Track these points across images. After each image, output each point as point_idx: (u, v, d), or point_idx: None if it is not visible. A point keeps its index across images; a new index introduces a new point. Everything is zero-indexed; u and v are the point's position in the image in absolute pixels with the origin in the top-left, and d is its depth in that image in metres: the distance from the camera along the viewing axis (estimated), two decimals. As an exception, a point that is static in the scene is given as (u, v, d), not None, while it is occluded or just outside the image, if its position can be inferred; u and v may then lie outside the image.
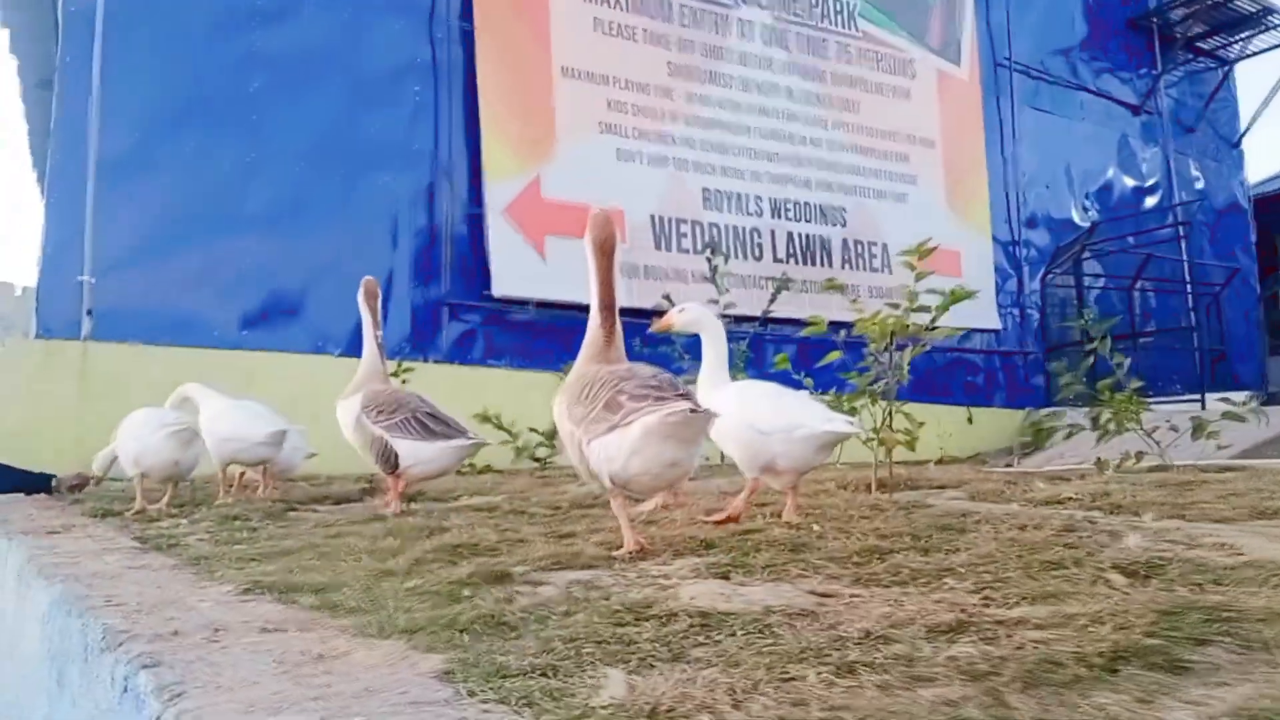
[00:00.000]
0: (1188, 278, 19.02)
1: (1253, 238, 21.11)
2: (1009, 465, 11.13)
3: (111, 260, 10.24)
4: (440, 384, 9.51)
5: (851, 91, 15.49)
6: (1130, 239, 16.30)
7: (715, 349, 4.38)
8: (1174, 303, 18.94)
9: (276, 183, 11.12)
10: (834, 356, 5.37)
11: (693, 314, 4.63)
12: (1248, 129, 21.31)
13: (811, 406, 4.15)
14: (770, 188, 14.46)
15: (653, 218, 13.27)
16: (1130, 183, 19.30)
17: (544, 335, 12.42)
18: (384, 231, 11.76)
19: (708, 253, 10.88)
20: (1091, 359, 6.32)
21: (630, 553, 3.22)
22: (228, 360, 10.56)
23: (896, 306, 5.45)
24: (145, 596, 2.53)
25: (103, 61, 10.35)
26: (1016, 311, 17.18)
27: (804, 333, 5.68)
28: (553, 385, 10.56)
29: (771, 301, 10.61)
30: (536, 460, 10.09)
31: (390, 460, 5.02)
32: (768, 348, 12.40)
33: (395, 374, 9.30)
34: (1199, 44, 20.15)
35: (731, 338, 11.69)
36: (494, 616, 2.06)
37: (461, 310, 12.06)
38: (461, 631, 1.97)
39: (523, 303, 12.20)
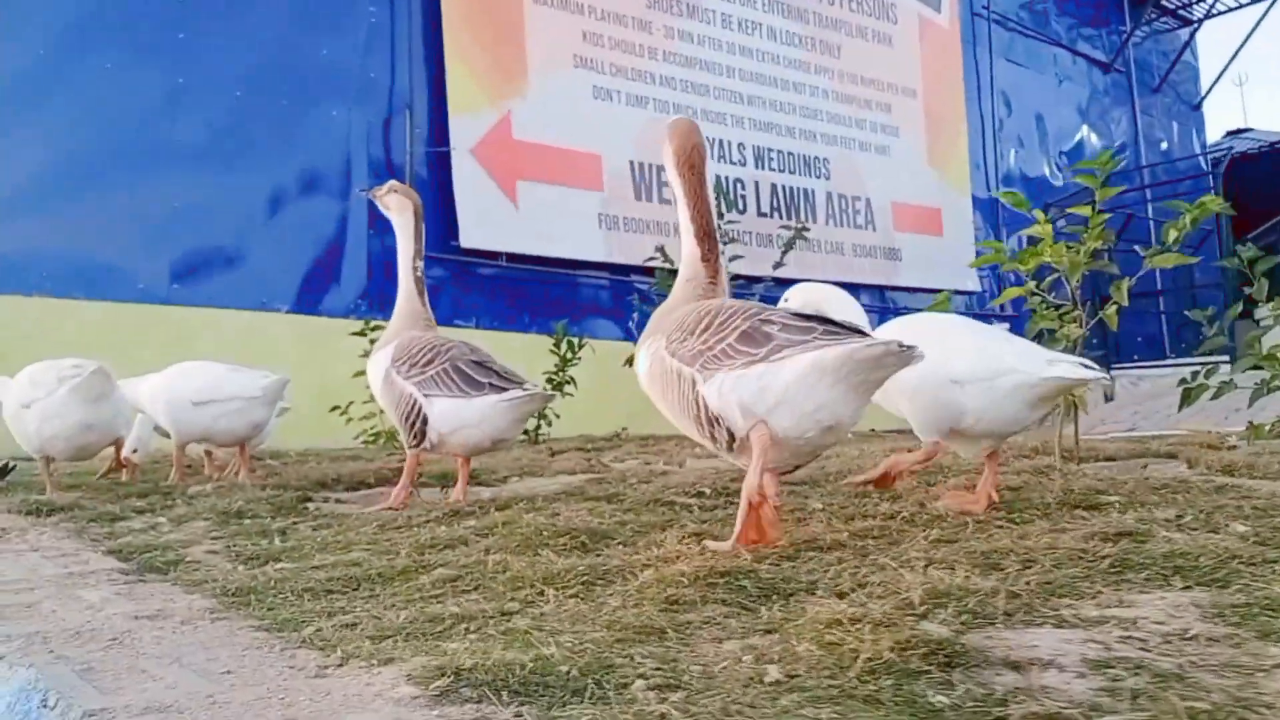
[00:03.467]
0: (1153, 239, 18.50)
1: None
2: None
3: (12, 201, 8.58)
4: None
5: (834, 34, 14.40)
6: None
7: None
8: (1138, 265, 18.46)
9: (210, 113, 9.52)
10: (1015, 293, 4.22)
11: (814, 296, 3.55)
12: (1209, 91, 20.96)
13: (1021, 345, 3.13)
14: (753, 135, 13.30)
15: (632, 164, 11.99)
16: (1100, 142, 18.66)
17: (516, 292, 11.10)
18: (335, 171, 10.25)
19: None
20: (1238, 309, 5.33)
21: (741, 547, 2.34)
22: (156, 317, 9.02)
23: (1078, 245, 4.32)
24: (227, 712, 1.24)
25: (-1, -37, 8.63)
26: (991, 275, 16.40)
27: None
28: (529, 348, 9.35)
29: (785, 253, 9.48)
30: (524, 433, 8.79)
31: (416, 426, 3.72)
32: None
33: (362, 334, 7.96)
34: (1165, 2, 19.59)
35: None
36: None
37: (425, 263, 10.59)
38: None
39: (493, 255, 10.83)
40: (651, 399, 2.84)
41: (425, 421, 3.71)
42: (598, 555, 2.21)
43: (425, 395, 3.73)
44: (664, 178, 12.19)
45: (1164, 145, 20.04)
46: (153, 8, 9.35)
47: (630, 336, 10.98)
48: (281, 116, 9.88)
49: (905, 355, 2.37)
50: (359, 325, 7.96)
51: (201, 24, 9.50)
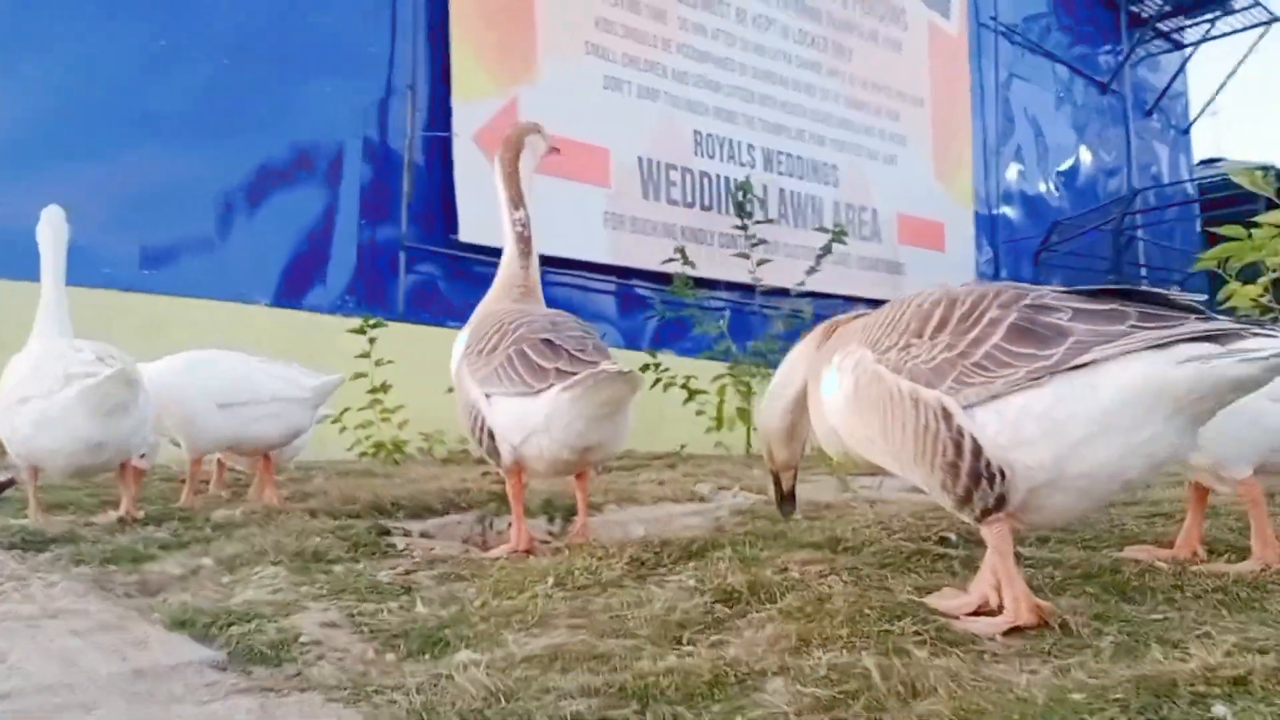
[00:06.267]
0: (1142, 260, 18.12)
1: (1198, 227, 20.49)
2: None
3: (-34, 168, 7.54)
4: (391, 348, 7.26)
5: (846, 36, 13.77)
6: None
7: None
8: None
9: (191, 81, 8.54)
10: (1253, 292, 3.46)
11: None
12: (1197, 117, 20.77)
13: None
14: (763, 136, 12.58)
15: (641, 160, 11.19)
16: (1094, 163, 18.32)
17: (517, 293, 10.19)
18: (325, 152, 9.31)
19: (739, 195, 8.89)
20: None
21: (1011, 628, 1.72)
22: (122, 305, 7.97)
23: None
24: None
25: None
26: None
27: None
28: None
29: (820, 259, 8.71)
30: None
31: (485, 441, 2.81)
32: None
33: (361, 331, 7.05)
34: (1160, 24, 19.33)
35: (761, 314, 9.83)
36: None
37: (420, 257, 9.70)
38: None
39: (494, 251, 9.90)
40: (845, 432, 2.03)
41: (491, 434, 2.80)
42: (1004, 660, 1.39)
43: (487, 395, 2.81)
44: (672, 176, 11.49)
45: (1154, 169, 19.80)
46: (130, -38, 8.37)
47: (635, 344, 10.16)
48: (270, 88, 8.92)
49: None
50: (347, 322, 7.13)
51: (185, -18, 8.53)
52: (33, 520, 3.12)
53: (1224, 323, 1.69)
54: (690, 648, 1.54)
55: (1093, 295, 1.81)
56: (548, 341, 2.73)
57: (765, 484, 4.93)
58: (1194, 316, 1.72)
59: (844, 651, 1.46)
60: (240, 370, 3.64)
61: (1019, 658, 1.48)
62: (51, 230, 3.57)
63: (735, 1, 12.44)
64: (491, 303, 3.15)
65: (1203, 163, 23.32)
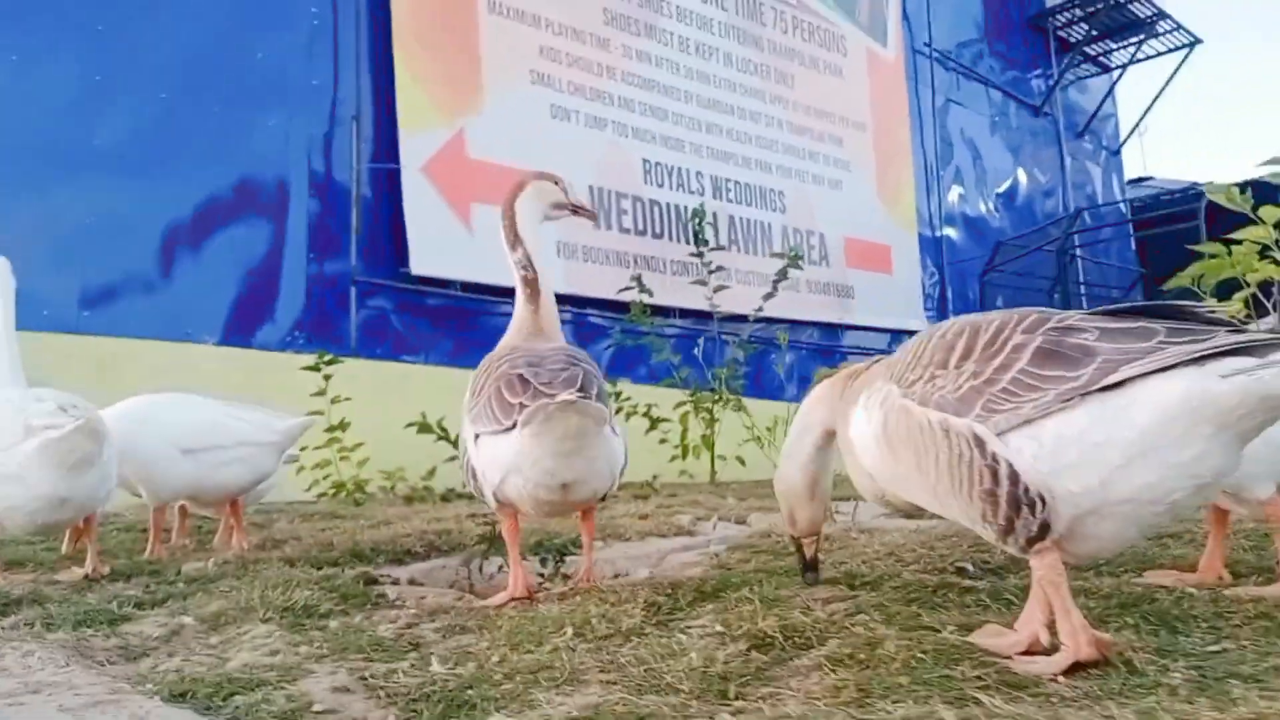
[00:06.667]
0: (1082, 278, 18.49)
1: (1132, 245, 21.00)
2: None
3: (-108, 206, 7.24)
4: (345, 384, 7.09)
5: (788, 64, 13.91)
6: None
7: None
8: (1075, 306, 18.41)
9: (129, 117, 8.35)
10: (1236, 307, 3.47)
11: None
12: (1128, 137, 21.32)
13: None
14: (711, 163, 12.63)
15: (591, 189, 11.13)
16: (1031, 184, 18.71)
17: (470, 325, 10.06)
18: (271, 187, 9.12)
19: (695, 223, 8.86)
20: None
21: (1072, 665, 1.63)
22: (64, 349, 7.70)
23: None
24: None
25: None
26: (936, 315, 16.05)
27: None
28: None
29: (777, 284, 8.68)
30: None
31: (469, 481, 2.73)
32: (773, 356, 10.08)
33: (315, 368, 6.87)
34: (1088, 48, 19.86)
35: (719, 340, 9.80)
36: None
37: (371, 291, 9.51)
38: None
39: (445, 284, 9.80)
40: (878, 472, 1.98)
41: (474, 473, 2.70)
42: (1079, 705, 1.32)
43: (476, 436, 2.72)
44: (623, 205, 11.45)
45: (1088, 189, 20.27)
46: (65, -6, 8.14)
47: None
48: (212, 123, 8.72)
49: None
50: (298, 359, 6.98)
51: (125, 15, 8.32)
52: (88, 565, 2.93)
53: (1257, 334, 1.66)
54: (741, 703, 1.45)
55: (1118, 314, 1.79)
56: (521, 377, 2.60)
57: (743, 513, 4.87)
58: (1223, 329, 1.69)
59: (912, 702, 1.38)
60: (204, 414, 3.48)
61: (1092, 701, 1.41)
62: None
63: (678, 30, 12.50)
64: (501, 342, 3.07)
65: (1132, 182, 23.96)
